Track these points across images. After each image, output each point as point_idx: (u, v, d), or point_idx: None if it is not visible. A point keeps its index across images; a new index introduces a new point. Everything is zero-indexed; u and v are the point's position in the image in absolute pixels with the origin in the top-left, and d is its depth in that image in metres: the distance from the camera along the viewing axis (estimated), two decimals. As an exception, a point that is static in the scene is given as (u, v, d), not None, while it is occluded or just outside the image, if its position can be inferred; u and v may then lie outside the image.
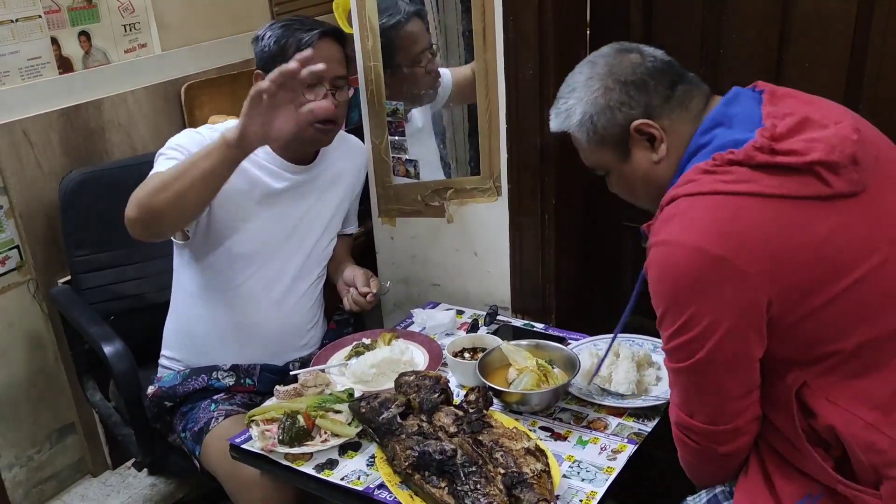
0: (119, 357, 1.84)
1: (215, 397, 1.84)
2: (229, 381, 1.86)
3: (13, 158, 2.15)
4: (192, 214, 1.68)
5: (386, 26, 1.94)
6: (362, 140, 2.10)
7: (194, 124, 2.48)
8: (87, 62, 2.30)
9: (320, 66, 1.45)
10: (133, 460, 2.38)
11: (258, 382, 1.87)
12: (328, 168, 1.93)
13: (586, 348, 1.73)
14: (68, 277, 2.22)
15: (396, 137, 2.05)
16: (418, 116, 2.04)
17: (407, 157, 2.06)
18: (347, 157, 2.00)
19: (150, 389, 1.85)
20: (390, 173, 2.10)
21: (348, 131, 2.14)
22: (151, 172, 1.69)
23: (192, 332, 1.90)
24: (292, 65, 1.43)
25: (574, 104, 1.34)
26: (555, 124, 1.40)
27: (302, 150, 1.86)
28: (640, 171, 1.33)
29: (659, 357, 1.67)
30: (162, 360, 1.97)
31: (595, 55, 1.36)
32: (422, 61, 1.97)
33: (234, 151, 1.53)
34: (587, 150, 1.38)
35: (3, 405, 2.28)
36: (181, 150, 1.72)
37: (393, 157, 2.07)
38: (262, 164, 1.82)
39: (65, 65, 2.25)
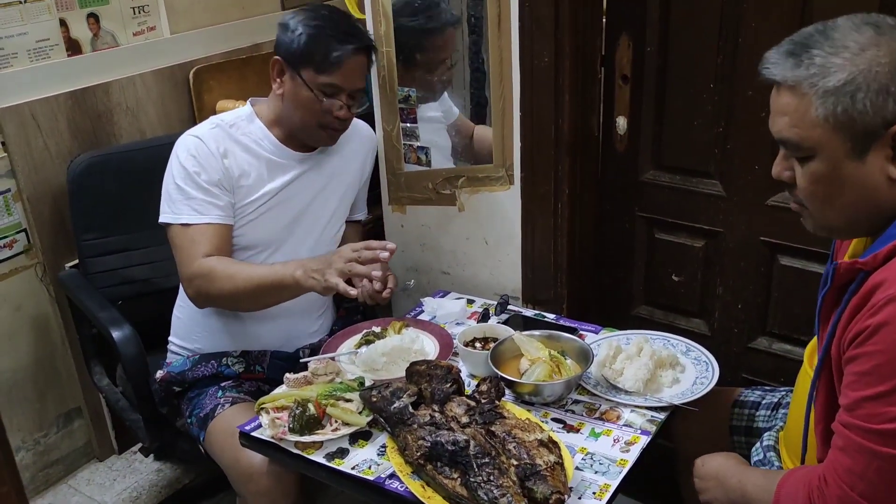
0: (127, 342, 1.83)
1: (223, 384, 1.83)
2: (239, 367, 1.85)
3: (21, 141, 2.14)
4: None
5: (421, 27, 1.92)
6: (372, 126, 2.08)
7: (203, 109, 2.47)
8: (95, 45, 2.28)
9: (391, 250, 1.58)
10: (140, 445, 2.38)
11: (268, 369, 1.87)
12: (334, 154, 1.91)
13: (608, 342, 1.69)
14: (76, 261, 2.20)
15: (408, 124, 2.03)
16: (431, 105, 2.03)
17: (418, 144, 2.04)
18: (355, 142, 1.97)
19: (159, 374, 1.85)
20: (401, 160, 2.08)
21: (358, 117, 2.11)
22: (176, 219, 1.72)
23: (201, 320, 1.89)
24: (376, 276, 1.57)
25: (839, 64, 1.04)
26: (786, 72, 1.09)
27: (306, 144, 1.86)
28: (865, 180, 1.07)
29: (686, 359, 1.65)
30: (170, 347, 1.96)
31: (879, 19, 1.07)
32: (438, 69, 1.96)
33: (301, 290, 1.65)
34: (810, 123, 1.07)
35: (11, 389, 2.28)
36: (197, 178, 1.72)
37: (404, 143, 2.05)
38: (269, 157, 1.80)
39: (73, 47, 2.23)
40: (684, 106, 1.81)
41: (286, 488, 1.62)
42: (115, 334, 1.84)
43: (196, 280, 1.70)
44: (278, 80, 1.76)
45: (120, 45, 2.33)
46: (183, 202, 1.72)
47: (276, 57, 1.75)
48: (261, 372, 1.87)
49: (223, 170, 1.74)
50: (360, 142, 2.00)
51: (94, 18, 2.26)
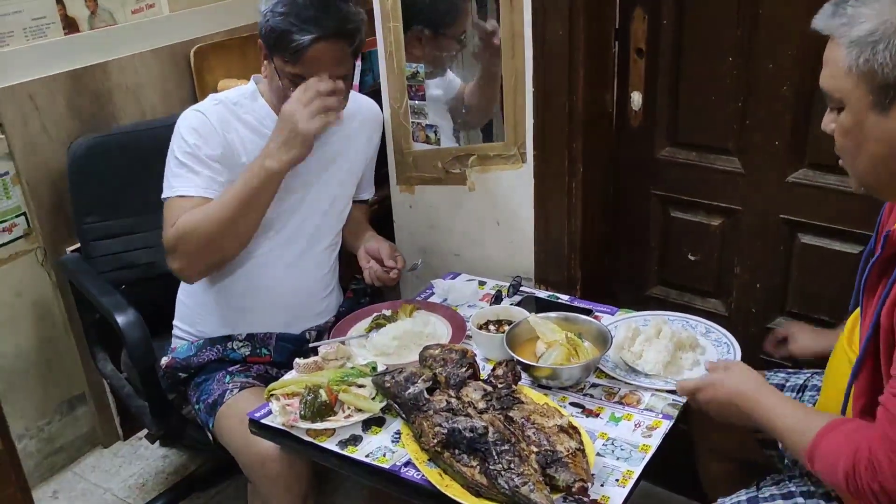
0: (132, 327, 1.79)
1: (230, 369, 1.79)
2: (245, 350, 1.81)
3: (18, 122, 2.08)
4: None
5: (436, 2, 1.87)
6: (379, 103, 2.02)
7: (204, 89, 2.41)
8: (92, 23, 2.22)
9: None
10: (145, 432, 2.35)
11: (274, 352, 1.83)
12: (338, 131, 1.85)
13: (625, 324, 1.66)
14: (77, 245, 2.16)
15: (416, 102, 1.97)
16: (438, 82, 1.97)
17: (427, 122, 1.99)
18: (359, 120, 1.91)
19: (164, 360, 1.82)
20: (409, 139, 2.03)
21: (365, 94, 2.05)
22: (173, 192, 1.67)
23: (205, 302, 1.85)
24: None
25: (866, 14, 1.05)
26: (823, 22, 1.11)
27: None
28: (890, 135, 1.07)
29: (706, 341, 1.61)
30: (175, 331, 1.92)
31: None
32: (452, 48, 1.91)
33: (282, 173, 1.62)
34: (840, 73, 1.08)
35: (12, 375, 2.24)
36: (198, 151, 1.67)
37: (412, 122, 2.00)
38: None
39: (70, 25, 2.17)
40: (701, 80, 1.76)
41: (299, 473, 1.60)
42: (120, 319, 1.80)
43: (175, 242, 1.64)
44: (265, 62, 1.72)
45: (118, 23, 2.27)
46: (184, 176, 1.67)
47: (259, 40, 1.70)
48: (267, 355, 1.84)
49: (225, 144, 1.69)
50: (365, 119, 1.94)
51: (91, -5, 2.20)
